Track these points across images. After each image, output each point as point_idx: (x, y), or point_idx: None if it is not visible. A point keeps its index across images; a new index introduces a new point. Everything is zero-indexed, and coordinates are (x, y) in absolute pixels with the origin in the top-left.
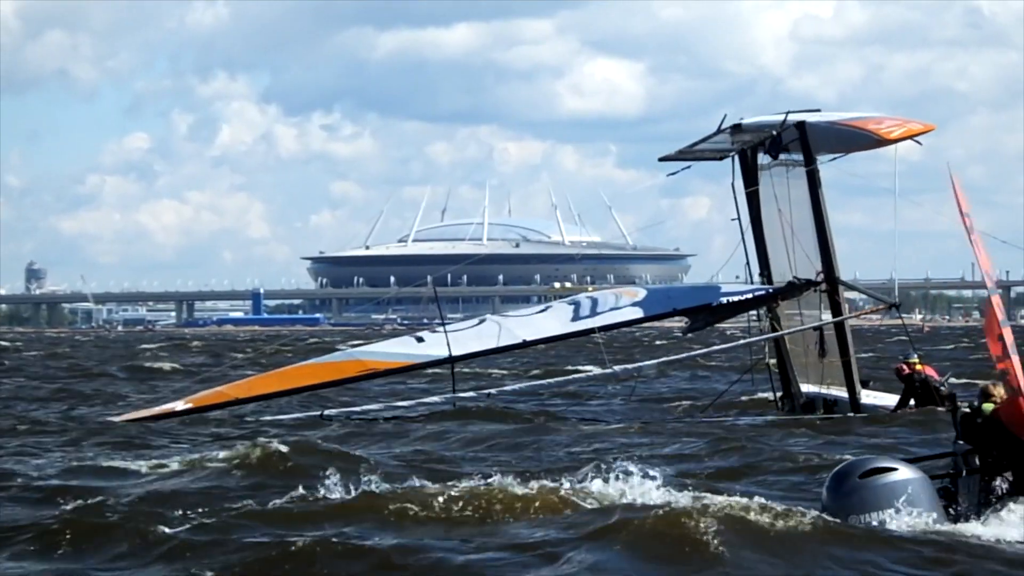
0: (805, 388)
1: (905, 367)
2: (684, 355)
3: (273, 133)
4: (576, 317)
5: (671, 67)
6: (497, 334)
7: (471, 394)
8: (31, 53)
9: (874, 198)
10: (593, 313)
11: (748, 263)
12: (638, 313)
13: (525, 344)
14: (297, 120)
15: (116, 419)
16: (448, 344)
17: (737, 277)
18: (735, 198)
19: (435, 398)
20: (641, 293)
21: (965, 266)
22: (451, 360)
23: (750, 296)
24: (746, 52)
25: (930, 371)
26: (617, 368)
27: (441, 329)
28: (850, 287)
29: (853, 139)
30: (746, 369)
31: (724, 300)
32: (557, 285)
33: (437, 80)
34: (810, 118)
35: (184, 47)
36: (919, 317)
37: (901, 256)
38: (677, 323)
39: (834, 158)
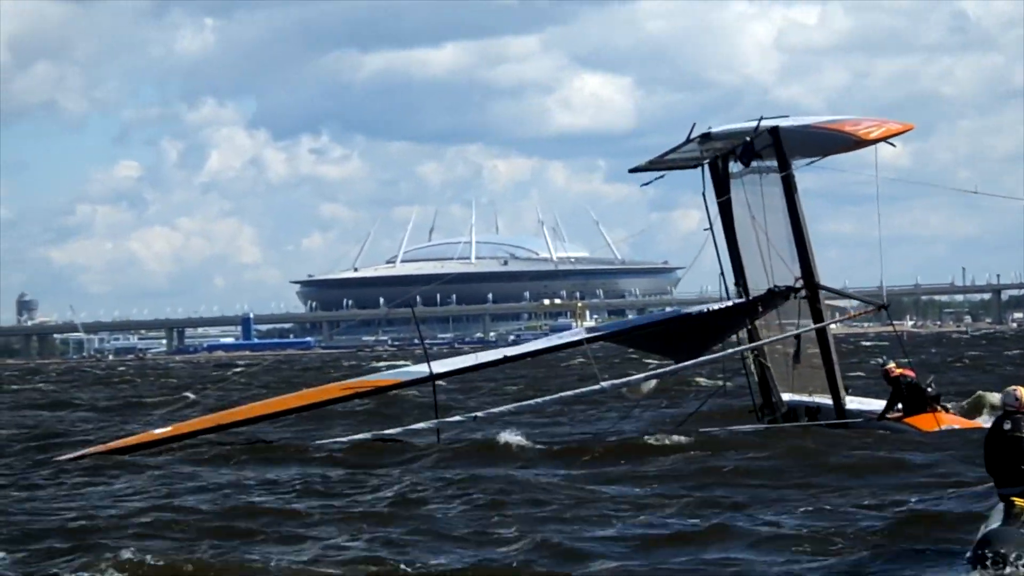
0: (787, 397)
1: (894, 368)
2: (673, 367)
3: (262, 158)
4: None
5: (657, 80)
6: (476, 356)
7: (457, 418)
8: (19, 84)
9: (862, 206)
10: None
11: (722, 274)
12: (619, 327)
13: (506, 359)
14: (285, 144)
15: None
16: (429, 364)
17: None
18: (707, 209)
19: (421, 424)
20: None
21: (955, 271)
22: (432, 378)
23: (729, 305)
24: (732, 62)
25: (910, 374)
26: (606, 384)
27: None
28: (833, 292)
29: (830, 141)
30: (722, 384)
31: (704, 310)
32: (547, 302)
33: (424, 100)
34: (783, 123)
35: (171, 74)
36: (910, 323)
37: (890, 262)
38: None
39: (811, 162)
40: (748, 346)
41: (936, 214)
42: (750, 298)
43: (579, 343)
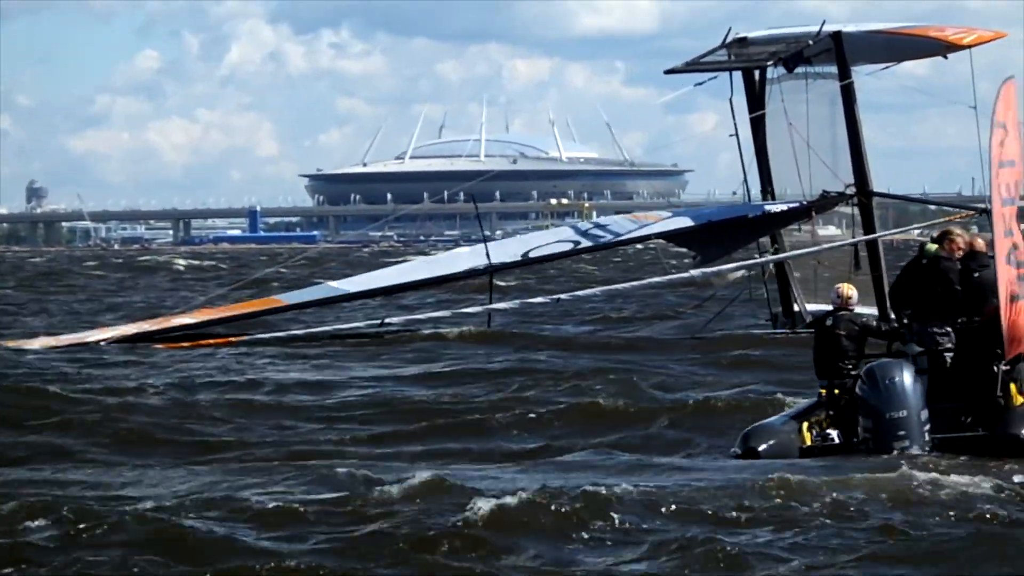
0: (812, 307)
1: None
2: (765, 259)
3: (282, 52)
4: (611, 233)
5: None
6: (530, 242)
7: (541, 299)
8: None
9: (881, 113)
10: (625, 231)
11: (746, 180)
12: (671, 225)
13: (576, 251)
14: (306, 38)
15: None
16: (487, 254)
17: (734, 193)
18: (732, 114)
19: (503, 304)
20: (667, 214)
21: (965, 182)
22: (491, 270)
23: (785, 209)
24: None
25: None
26: (696, 272)
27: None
28: (888, 196)
29: (910, 47)
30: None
31: (760, 213)
32: (554, 201)
33: None
34: (847, 28)
35: None
36: (916, 233)
37: (930, 171)
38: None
39: (886, 67)
40: (788, 256)
41: (952, 125)
42: (805, 202)
43: (638, 240)
